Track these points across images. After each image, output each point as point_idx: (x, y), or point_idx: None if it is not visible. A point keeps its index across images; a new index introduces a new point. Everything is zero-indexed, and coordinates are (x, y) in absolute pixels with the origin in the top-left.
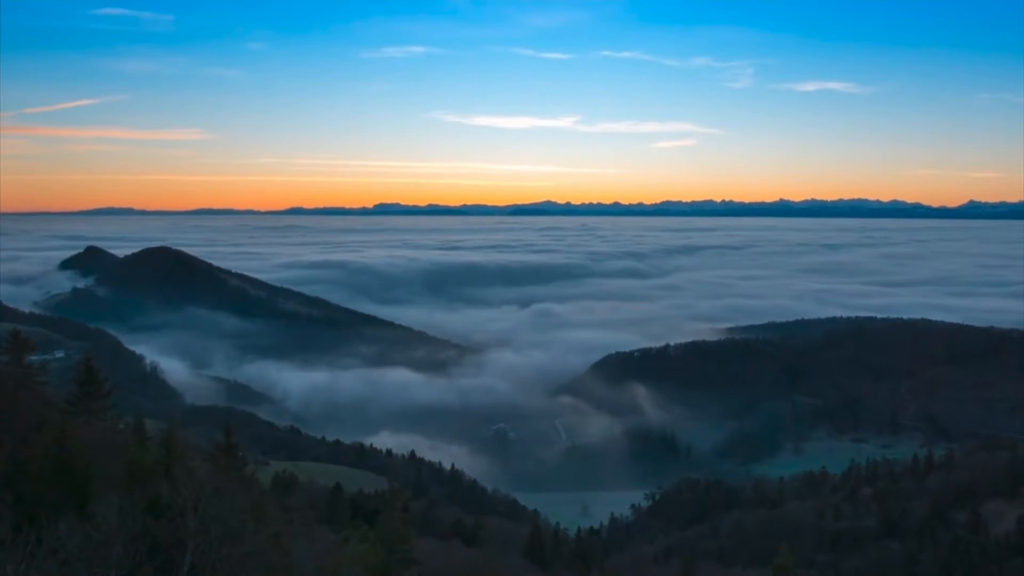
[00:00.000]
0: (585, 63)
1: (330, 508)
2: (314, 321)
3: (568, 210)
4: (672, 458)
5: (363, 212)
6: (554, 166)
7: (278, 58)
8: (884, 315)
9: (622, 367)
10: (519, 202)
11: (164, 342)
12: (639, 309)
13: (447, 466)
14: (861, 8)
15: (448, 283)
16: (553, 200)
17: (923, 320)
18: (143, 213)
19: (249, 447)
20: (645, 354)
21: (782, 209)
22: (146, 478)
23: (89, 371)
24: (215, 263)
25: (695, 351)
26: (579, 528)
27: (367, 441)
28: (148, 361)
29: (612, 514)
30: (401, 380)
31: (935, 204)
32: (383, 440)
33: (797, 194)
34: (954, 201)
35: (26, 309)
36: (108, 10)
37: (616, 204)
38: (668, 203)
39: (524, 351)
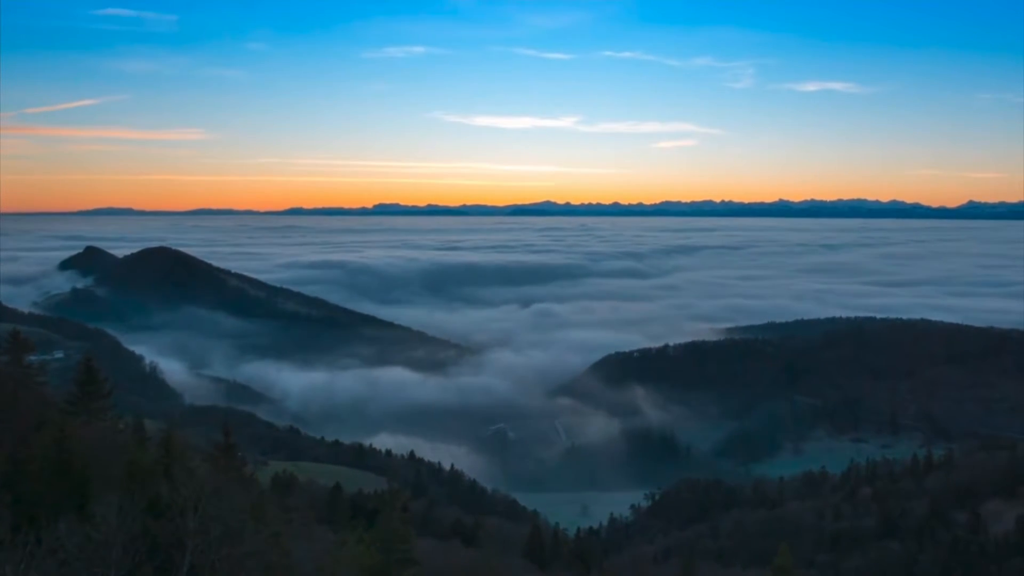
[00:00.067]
0: (586, 63)
1: (330, 508)
2: (313, 321)
3: (568, 210)
4: (672, 458)
5: (362, 212)
6: (554, 166)
7: (279, 58)
8: (883, 315)
9: (622, 367)
10: (519, 202)
11: (163, 342)
12: (639, 309)
13: (446, 466)
14: (862, 8)
15: (447, 283)
16: (553, 200)
17: (922, 320)
18: (142, 213)
19: (248, 447)
20: (645, 354)
21: (781, 209)
22: (145, 478)
23: (89, 371)
24: (214, 263)
25: (695, 351)
26: (579, 528)
27: (366, 441)
28: (147, 361)
29: (612, 514)
30: (400, 380)
31: (935, 204)
32: (382, 440)
33: (797, 194)
34: (953, 201)
35: (25, 309)
36: (111, 10)
37: (616, 204)
38: (668, 203)
39: (523, 351)
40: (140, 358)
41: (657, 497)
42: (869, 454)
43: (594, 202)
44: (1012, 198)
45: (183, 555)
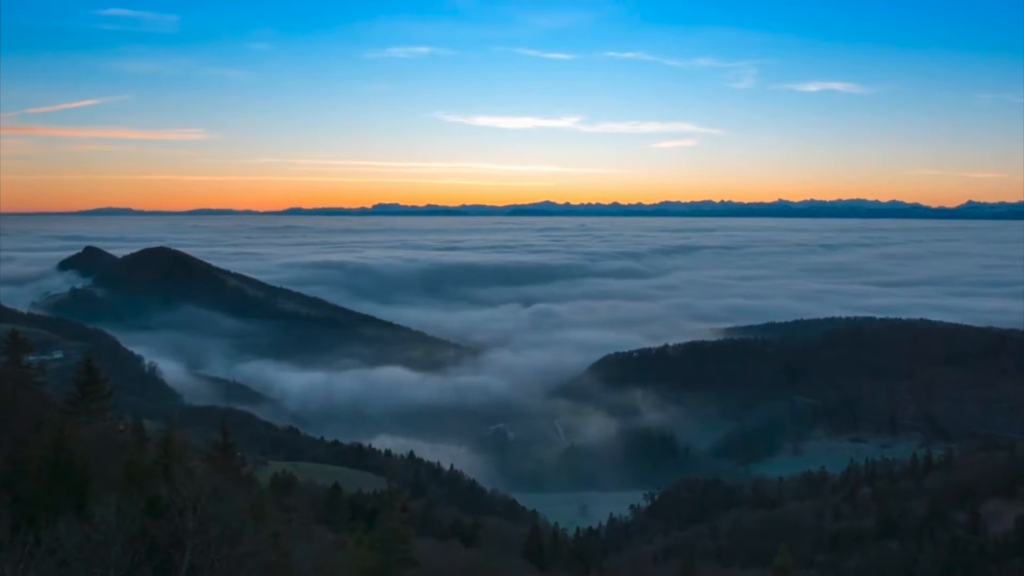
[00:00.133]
0: (588, 63)
1: (329, 508)
2: (313, 321)
3: (567, 210)
4: (671, 458)
5: (362, 212)
6: (554, 166)
7: (281, 58)
8: (883, 315)
9: (621, 367)
10: (518, 202)
11: (162, 342)
12: (638, 309)
13: (446, 466)
14: (863, 8)
15: (447, 283)
16: (552, 200)
17: (922, 320)
18: (142, 213)
19: (247, 447)
20: (644, 354)
21: (781, 209)
22: (145, 478)
23: (90, 371)
24: (214, 263)
25: (694, 351)
26: (578, 528)
27: (366, 441)
28: (146, 361)
29: (611, 514)
30: (400, 380)
31: (934, 204)
32: (382, 440)
33: (796, 194)
34: (953, 201)
35: (24, 309)
36: (112, 11)
37: (615, 204)
38: (667, 203)
39: (523, 351)
40: (139, 358)
41: (656, 497)
42: (868, 454)
43: (593, 202)
44: (1012, 198)
45: (182, 555)
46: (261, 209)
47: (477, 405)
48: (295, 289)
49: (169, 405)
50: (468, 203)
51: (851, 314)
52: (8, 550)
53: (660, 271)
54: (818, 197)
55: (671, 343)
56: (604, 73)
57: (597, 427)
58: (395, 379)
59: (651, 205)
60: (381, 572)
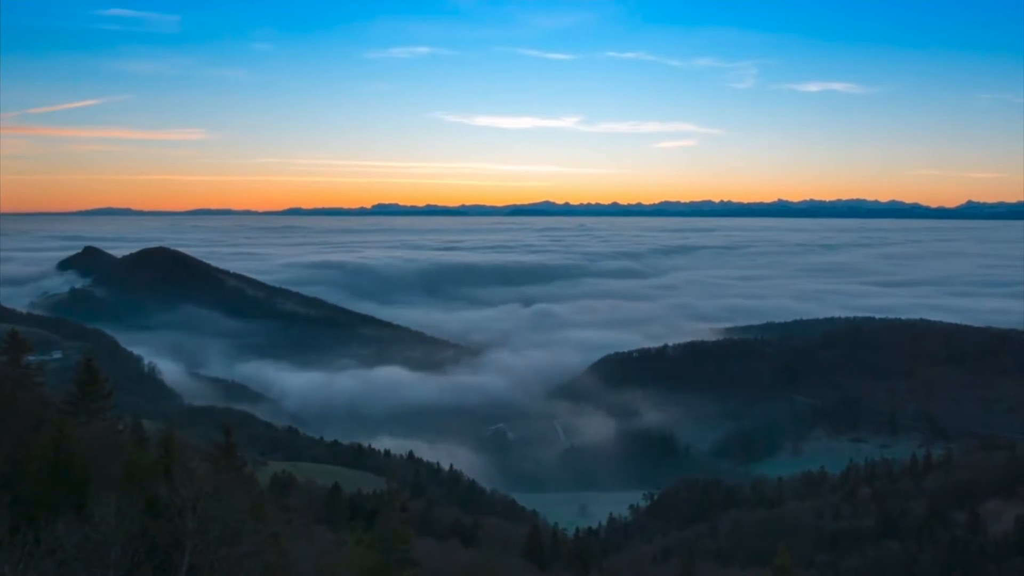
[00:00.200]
0: (589, 63)
1: (328, 508)
2: (312, 321)
3: (566, 210)
4: (670, 458)
5: (361, 212)
6: (554, 166)
7: (282, 58)
8: (882, 315)
9: (621, 367)
10: (517, 202)
11: (162, 342)
12: (638, 309)
13: (445, 466)
14: (863, 8)
15: (446, 283)
16: (552, 200)
17: (921, 320)
18: (141, 213)
19: (247, 447)
20: (644, 354)
21: (780, 209)
22: (144, 478)
23: (90, 371)
24: (213, 263)
25: (694, 351)
26: (578, 528)
27: (365, 441)
28: (146, 361)
29: (611, 514)
30: (399, 380)
31: (933, 204)
32: (381, 440)
33: (796, 194)
34: (952, 201)
35: (24, 309)
36: (113, 11)
37: (615, 204)
38: (666, 203)
39: (522, 351)
40: (139, 358)
41: (656, 497)
42: (868, 454)
43: (593, 202)
44: (1011, 198)
45: (182, 555)
46: (261, 209)
47: (476, 405)
48: (294, 289)
49: (168, 405)
50: (468, 203)
51: (851, 314)
52: (8, 550)
53: (660, 271)
54: (818, 197)
55: (671, 343)
56: (604, 73)
57: (597, 427)
58: (395, 379)
59: (651, 205)
60: (381, 572)
